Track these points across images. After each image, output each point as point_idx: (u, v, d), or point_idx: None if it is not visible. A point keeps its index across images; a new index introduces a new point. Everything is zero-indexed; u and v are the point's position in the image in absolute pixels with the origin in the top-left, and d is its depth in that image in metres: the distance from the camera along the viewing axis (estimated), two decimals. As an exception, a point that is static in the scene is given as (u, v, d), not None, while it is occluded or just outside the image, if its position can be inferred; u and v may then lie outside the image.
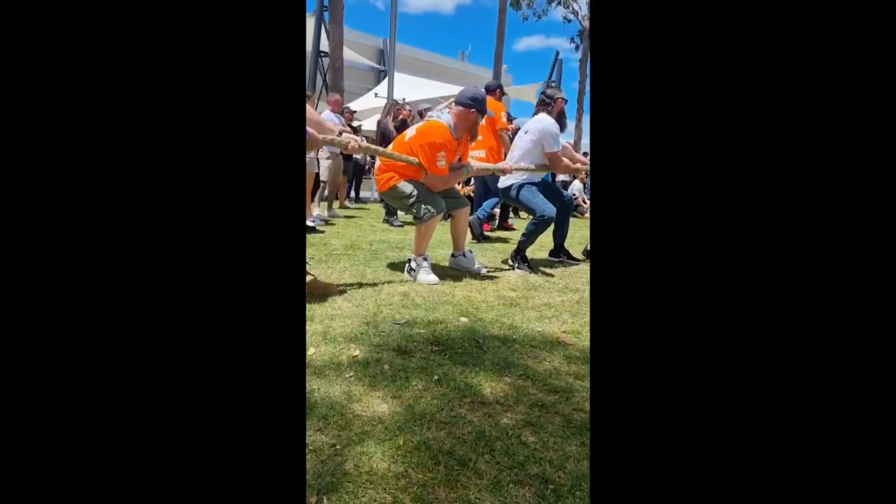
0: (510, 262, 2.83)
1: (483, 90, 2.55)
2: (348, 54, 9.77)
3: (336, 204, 5.37)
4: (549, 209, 2.74)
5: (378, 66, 17.04)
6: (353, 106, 9.67)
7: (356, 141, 2.10)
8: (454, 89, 9.51)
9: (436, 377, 1.29)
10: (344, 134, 2.15)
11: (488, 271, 2.66)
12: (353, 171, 6.52)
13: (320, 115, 2.61)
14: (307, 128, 1.89)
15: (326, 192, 5.01)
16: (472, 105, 2.40)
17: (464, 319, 1.80)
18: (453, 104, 2.50)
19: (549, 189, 2.97)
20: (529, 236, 2.77)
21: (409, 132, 2.53)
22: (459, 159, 2.54)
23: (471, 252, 2.71)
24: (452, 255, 2.72)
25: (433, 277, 2.35)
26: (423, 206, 2.37)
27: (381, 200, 4.19)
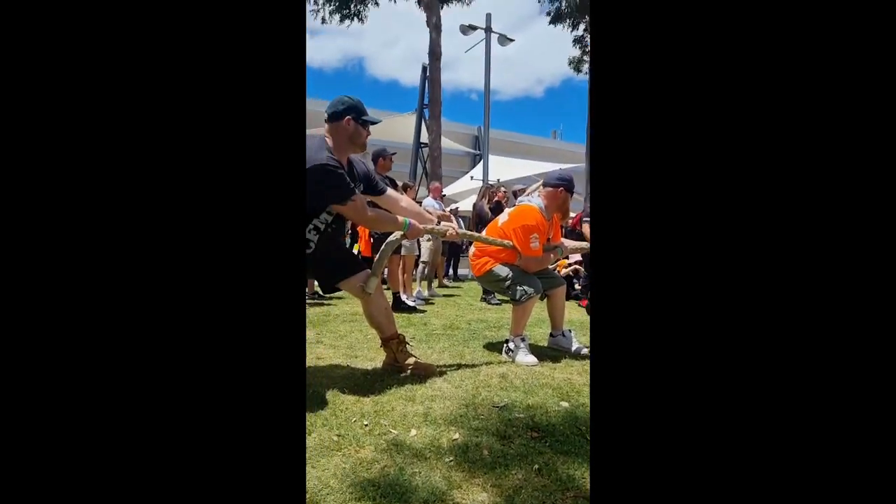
0: None
1: (569, 172, 2.64)
2: (445, 143, 10.58)
3: (435, 283, 5.59)
4: None
5: (473, 151, 18.09)
6: (450, 188, 10.21)
7: (454, 229, 2.25)
8: (547, 167, 9.74)
9: (536, 466, 1.26)
10: (442, 223, 2.31)
11: (589, 351, 2.56)
12: (451, 250, 6.80)
13: (419, 206, 2.82)
14: (410, 219, 2.07)
15: (426, 272, 5.26)
16: (560, 184, 2.48)
17: (564, 404, 1.74)
18: (542, 187, 2.59)
19: None
20: None
21: (502, 217, 2.65)
22: (550, 239, 2.58)
23: (570, 331, 2.65)
24: (551, 335, 2.68)
25: (532, 359, 2.32)
26: (518, 287, 2.41)
27: (478, 279, 4.29)
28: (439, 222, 2.30)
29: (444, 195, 7.52)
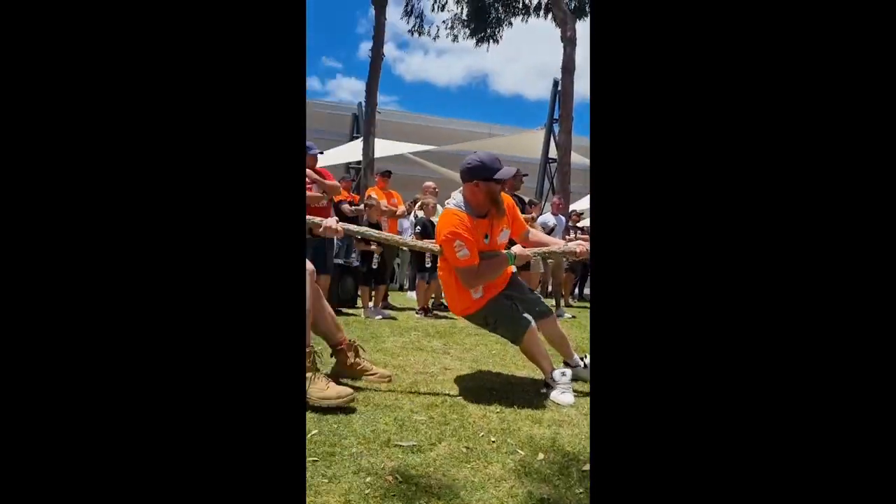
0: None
1: (476, 157, 1.99)
2: (575, 157, 10.30)
3: (562, 302, 5.44)
4: None
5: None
6: (578, 204, 9.90)
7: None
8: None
9: None
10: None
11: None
12: (582, 267, 6.55)
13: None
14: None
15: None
16: (472, 178, 1.97)
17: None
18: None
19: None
20: None
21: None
22: (489, 236, 2.01)
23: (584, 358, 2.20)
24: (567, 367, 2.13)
25: (568, 397, 1.93)
26: (500, 329, 2.05)
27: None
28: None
29: (574, 210, 7.29)
